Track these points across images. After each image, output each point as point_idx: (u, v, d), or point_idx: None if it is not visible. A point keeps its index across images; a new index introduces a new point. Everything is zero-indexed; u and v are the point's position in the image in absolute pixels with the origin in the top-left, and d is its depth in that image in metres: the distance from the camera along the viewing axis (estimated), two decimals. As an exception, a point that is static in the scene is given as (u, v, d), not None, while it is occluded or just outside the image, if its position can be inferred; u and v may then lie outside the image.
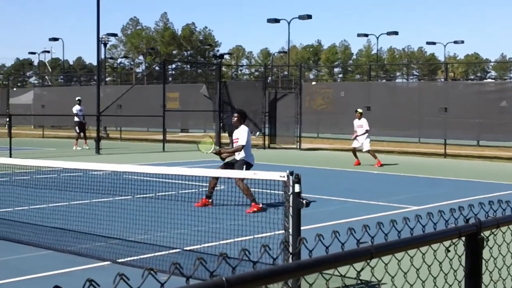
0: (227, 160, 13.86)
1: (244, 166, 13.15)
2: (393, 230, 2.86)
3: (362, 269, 2.68)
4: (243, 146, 13.39)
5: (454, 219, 3.24)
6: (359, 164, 23.98)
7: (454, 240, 3.17)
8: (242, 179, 12.69)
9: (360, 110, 24.82)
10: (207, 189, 13.55)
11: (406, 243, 2.80)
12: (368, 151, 24.12)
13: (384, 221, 2.89)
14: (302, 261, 2.40)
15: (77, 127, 32.36)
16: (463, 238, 3.17)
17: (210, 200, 13.45)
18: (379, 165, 23.63)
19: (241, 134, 13.51)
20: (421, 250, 2.97)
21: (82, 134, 32.00)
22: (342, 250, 2.53)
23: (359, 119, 24.42)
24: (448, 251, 3.30)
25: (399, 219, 2.95)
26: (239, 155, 13.52)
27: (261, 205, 12.61)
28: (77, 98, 32.69)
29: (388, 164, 24.51)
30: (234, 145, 13.67)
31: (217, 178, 13.38)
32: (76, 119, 32.26)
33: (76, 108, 32.73)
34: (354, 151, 24.48)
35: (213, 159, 25.13)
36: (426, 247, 2.98)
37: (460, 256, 3.36)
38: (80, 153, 27.68)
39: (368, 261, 2.61)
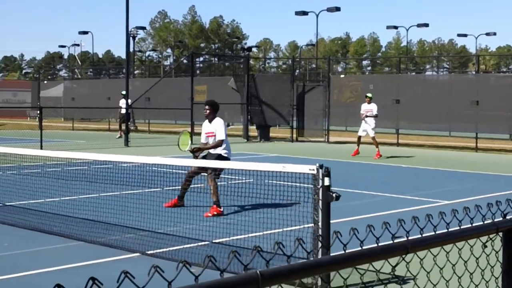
0: (201, 155, 12.56)
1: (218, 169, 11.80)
2: (428, 225, 2.81)
3: (397, 264, 2.64)
4: (221, 140, 12.31)
5: (491, 214, 3.18)
6: (357, 153, 23.97)
7: (491, 236, 3.12)
8: (214, 178, 11.88)
9: (369, 95, 24.79)
10: (236, 182, 13.53)
11: (442, 238, 2.76)
12: (373, 138, 24.01)
13: (413, 215, 2.84)
14: (337, 255, 2.37)
15: (121, 118, 32.92)
16: (501, 234, 3.12)
17: (181, 202, 12.34)
18: (378, 157, 23.68)
19: (217, 127, 12.37)
20: (457, 245, 2.92)
21: (123, 125, 32.20)
22: (377, 245, 2.50)
23: (369, 103, 24.31)
24: (485, 246, 3.25)
25: (431, 213, 2.90)
26: (215, 150, 12.44)
27: (221, 210, 11.73)
28: (122, 92, 32.89)
29: (417, 157, 24.33)
30: (209, 140, 12.51)
31: (192, 178, 12.39)
32: (122, 111, 32.56)
33: (122, 102, 33.11)
34: (359, 140, 24.28)
35: (241, 152, 25.16)
36: (463, 242, 2.93)
37: (497, 252, 3.31)
38: (109, 145, 27.85)
39: (404, 256, 2.57)
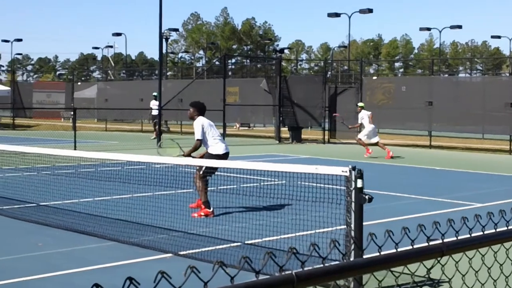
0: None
1: (209, 161, 11.39)
2: (463, 227, 2.80)
3: (432, 267, 2.63)
4: (199, 140, 12.18)
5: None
6: (370, 153, 24.43)
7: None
8: (202, 177, 11.81)
9: (360, 104, 25.44)
10: (268, 183, 13.54)
11: (478, 241, 2.74)
12: (359, 139, 24.74)
13: (446, 218, 2.83)
14: (372, 257, 2.37)
15: (153, 120, 33.14)
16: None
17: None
18: (368, 154, 24.23)
19: (195, 128, 12.33)
20: (493, 248, 2.91)
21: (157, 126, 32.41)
22: (412, 247, 2.49)
23: (359, 112, 24.91)
24: (521, 249, 3.23)
25: (465, 216, 2.89)
26: (204, 150, 12.46)
27: (211, 211, 11.68)
28: (153, 94, 33.05)
29: (451, 160, 24.15)
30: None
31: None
32: (153, 112, 32.75)
33: (152, 103, 33.32)
34: (377, 144, 24.82)
35: (273, 153, 25.16)
36: (498, 245, 2.91)
37: (533, 255, 3.28)
38: (142, 146, 28.01)
39: (439, 258, 2.56)
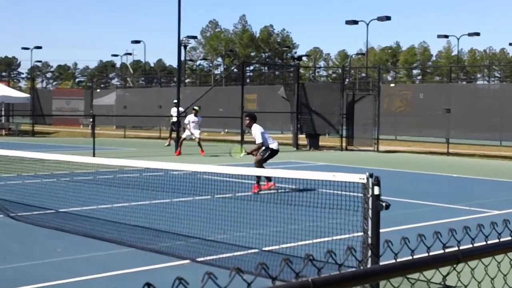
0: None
1: (267, 153, 15.68)
2: (479, 234, 2.82)
3: (448, 274, 2.65)
4: (261, 143, 15.54)
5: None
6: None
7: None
8: (261, 161, 15.53)
9: (196, 108, 28.11)
10: (285, 190, 13.56)
11: (493, 248, 2.75)
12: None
13: (464, 225, 2.84)
14: (388, 264, 2.39)
15: (173, 127, 33.22)
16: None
17: (271, 182, 15.33)
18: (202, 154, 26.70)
19: (255, 133, 15.72)
20: (509, 255, 2.92)
21: (174, 133, 32.50)
22: (428, 254, 2.51)
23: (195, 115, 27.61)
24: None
25: (482, 223, 2.90)
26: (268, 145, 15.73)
27: (268, 185, 15.16)
28: (174, 101, 33.16)
29: (468, 167, 24.05)
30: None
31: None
32: (174, 119, 32.85)
33: (173, 110, 33.45)
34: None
35: (290, 160, 25.18)
36: (514, 252, 2.92)
37: (549, 263, 3.29)
38: (160, 153, 28.12)
39: (455, 265, 2.57)
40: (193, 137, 27.72)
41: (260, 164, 15.45)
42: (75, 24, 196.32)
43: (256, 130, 15.64)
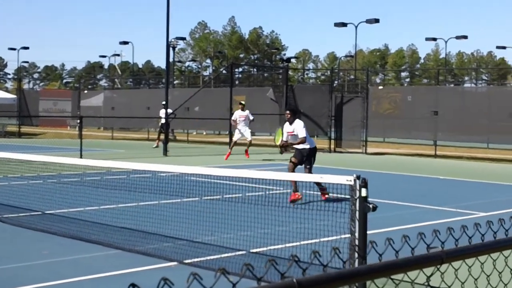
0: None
1: (310, 156, 14.87)
2: (463, 235, 2.84)
3: (432, 274, 2.67)
4: (305, 137, 14.77)
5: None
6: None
7: (526, 247, 3.13)
8: (308, 171, 14.66)
9: (243, 102, 27.52)
10: (274, 192, 13.58)
11: (477, 249, 2.78)
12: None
13: (452, 227, 2.87)
14: (373, 264, 2.41)
15: (162, 128, 32.96)
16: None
17: (298, 193, 14.15)
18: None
19: (298, 128, 14.88)
20: (492, 256, 2.94)
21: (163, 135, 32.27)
22: (412, 255, 2.53)
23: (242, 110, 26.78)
24: (520, 258, 3.27)
25: (468, 225, 2.92)
26: (300, 145, 14.87)
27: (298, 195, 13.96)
28: (162, 103, 33.07)
29: (455, 169, 24.15)
30: (289, 137, 15.03)
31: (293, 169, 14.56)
32: (162, 121, 32.73)
33: (161, 112, 33.34)
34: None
35: (279, 162, 25.19)
36: (497, 253, 2.95)
37: (532, 264, 3.32)
38: (148, 155, 28.08)
39: (439, 266, 2.60)
40: (245, 139, 26.99)
41: (293, 167, 14.64)
42: (62, 25, 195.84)
43: (300, 125, 14.95)
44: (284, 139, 15.18)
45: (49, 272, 8.31)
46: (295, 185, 14.15)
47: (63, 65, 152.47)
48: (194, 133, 47.36)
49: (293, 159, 14.74)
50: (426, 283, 2.65)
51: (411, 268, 2.49)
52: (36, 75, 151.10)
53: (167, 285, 1.93)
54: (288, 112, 15.44)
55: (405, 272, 2.48)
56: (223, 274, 2.05)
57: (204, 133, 48.80)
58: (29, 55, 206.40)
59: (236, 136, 27.05)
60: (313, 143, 15.26)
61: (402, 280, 2.61)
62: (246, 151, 26.73)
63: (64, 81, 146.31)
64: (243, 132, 26.62)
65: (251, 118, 26.84)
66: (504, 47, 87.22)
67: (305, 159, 14.80)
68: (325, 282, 2.19)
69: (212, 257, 9.01)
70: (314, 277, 2.15)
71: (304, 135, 14.84)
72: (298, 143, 14.85)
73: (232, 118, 27.17)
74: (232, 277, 1.97)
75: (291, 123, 15.11)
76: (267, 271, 2.15)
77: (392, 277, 2.47)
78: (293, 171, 14.35)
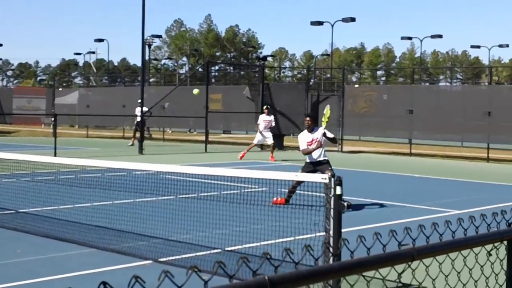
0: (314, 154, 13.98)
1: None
2: (435, 233, 2.86)
3: (403, 271, 2.69)
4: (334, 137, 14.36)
5: (496, 223, 3.23)
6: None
7: (496, 244, 3.17)
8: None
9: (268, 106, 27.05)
10: (249, 190, 13.58)
11: (447, 246, 2.80)
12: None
13: (425, 224, 2.89)
14: (344, 262, 2.42)
15: (137, 126, 32.76)
16: (505, 242, 3.16)
17: (287, 203, 13.44)
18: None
19: (327, 133, 13.96)
20: (462, 253, 2.97)
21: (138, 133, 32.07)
22: (384, 252, 2.55)
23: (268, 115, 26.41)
24: (490, 255, 3.30)
25: (441, 223, 2.95)
26: (322, 155, 13.99)
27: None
28: (138, 101, 32.89)
29: (430, 167, 24.31)
30: (313, 145, 13.82)
31: (297, 187, 13.35)
32: (138, 119, 32.55)
33: (137, 110, 33.17)
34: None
35: (255, 160, 25.18)
36: (468, 250, 2.98)
37: (501, 260, 3.35)
38: (123, 153, 27.96)
39: (410, 263, 2.62)
40: (266, 142, 26.78)
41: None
42: (37, 22, 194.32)
43: (320, 131, 13.86)
44: (305, 148, 13.97)
45: (22, 271, 8.26)
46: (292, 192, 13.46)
47: (37, 62, 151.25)
48: (169, 131, 47.17)
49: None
50: (397, 280, 2.67)
51: (382, 265, 2.51)
52: (9, 73, 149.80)
53: (138, 283, 1.93)
54: (307, 118, 14.20)
55: (376, 269, 2.50)
56: (195, 272, 2.05)
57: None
58: (3, 52, 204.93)
59: (256, 139, 26.62)
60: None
61: (373, 277, 2.63)
62: (271, 156, 26.15)
63: (39, 78, 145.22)
64: (265, 136, 26.24)
65: (273, 124, 26.79)
66: (478, 46, 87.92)
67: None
68: (297, 280, 2.20)
69: (187, 255, 9.00)
70: (285, 274, 2.16)
71: (334, 137, 14.46)
72: (317, 148, 13.84)
73: (257, 122, 26.79)
74: (205, 275, 1.97)
75: (311, 131, 13.98)
76: (239, 268, 2.15)
77: (364, 274, 2.49)
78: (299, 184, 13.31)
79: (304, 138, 14.00)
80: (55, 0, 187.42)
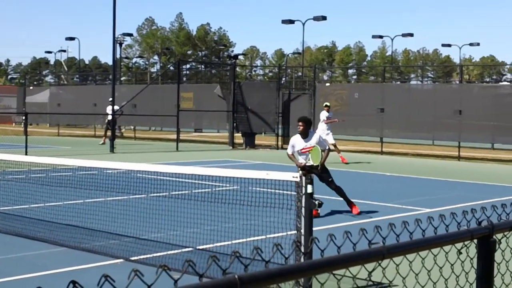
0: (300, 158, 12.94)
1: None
2: (405, 231, 2.87)
3: (374, 269, 2.70)
4: (329, 150, 13.01)
5: (466, 222, 3.25)
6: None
7: (466, 242, 3.19)
8: (333, 184, 13.15)
9: (328, 104, 25.53)
10: (220, 189, 13.52)
11: (417, 245, 2.82)
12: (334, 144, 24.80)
13: (396, 223, 2.90)
14: (314, 260, 2.43)
15: (108, 125, 32.59)
16: (475, 241, 3.19)
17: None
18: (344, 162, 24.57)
19: (320, 140, 12.85)
20: (432, 251, 2.98)
21: (109, 131, 31.91)
22: (354, 251, 2.55)
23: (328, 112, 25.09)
24: (460, 253, 3.32)
25: (411, 221, 2.96)
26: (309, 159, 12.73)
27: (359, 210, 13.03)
28: (109, 99, 32.69)
29: (401, 166, 24.47)
30: (303, 156, 12.77)
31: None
32: (109, 118, 32.38)
33: (108, 109, 33.00)
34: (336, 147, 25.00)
35: (226, 159, 25.16)
36: (438, 248, 2.99)
37: (472, 259, 3.38)
38: (94, 151, 27.80)
39: (380, 262, 2.62)
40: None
41: (338, 188, 13.13)
42: (7, 20, 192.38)
43: (317, 136, 12.92)
44: (300, 160, 12.88)
45: (-8, 270, 8.18)
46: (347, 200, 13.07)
47: (8, 61, 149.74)
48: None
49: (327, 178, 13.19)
50: (368, 279, 2.68)
51: (353, 264, 2.52)
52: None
53: (108, 282, 1.92)
54: (300, 123, 12.81)
55: (346, 267, 2.51)
56: (165, 271, 2.04)
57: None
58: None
59: (330, 138, 24.74)
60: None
61: (344, 275, 2.64)
62: (341, 157, 25.16)
63: (9, 77, 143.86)
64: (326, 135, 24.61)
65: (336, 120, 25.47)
66: (449, 45, 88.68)
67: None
68: (267, 278, 2.20)
69: (158, 254, 8.98)
70: (255, 273, 2.16)
71: (326, 146, 12.98)
72: (325, 159, 12.83)
73: (321, 119, 25.34)
74: (175, 273, 1.97)
75: (305, 137, 12.74)
76: (209, 267, 2.14)
77: (334, 272, 2.49)
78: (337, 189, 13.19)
79: (295, 143, 12.90)
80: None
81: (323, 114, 24.93)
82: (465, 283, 3.46)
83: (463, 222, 3.24)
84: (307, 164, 12.59)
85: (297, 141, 12.80)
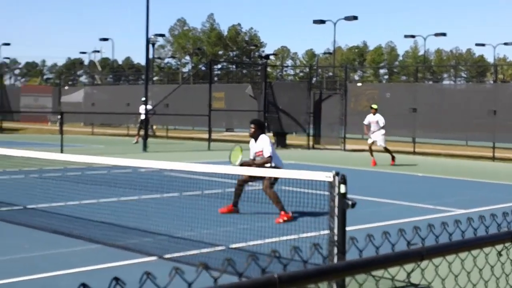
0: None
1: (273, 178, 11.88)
2: (444, 232, 2.85)
3: (413, 270, 2.69)
4: (270, 157, 12.35)
5: (506, 223, 3.22)
6: (375, 164, 24.04)
7: (506, 244, 3.16)
8: (271, 186, 12.04)
9: (375, 106, 24.94)
10: (252, 188, 13.56)
11: (457, 246, 2.80)
12: (385, 148, 24.37)
13: (428, 223, 2.88)
14: (351, 260, 2.42)
15: (141, 124, 32.84)
16: (516, 242, 3.16)
17: (236, 208, 12.30)
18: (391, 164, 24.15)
19: (264, 145, 12.41)
20: (472, 253, 2.96)
21: (142, 131, 32.13)
22: (392, 251, 2.54)
23: (374, 114, 24.47)
24: (500, 255, 3.29)
25: (448, 222, 2.94)
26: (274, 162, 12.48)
27: (290, 214, 11.66)
28: (142, 99, 32.88)
29: (434, 166, 24.29)
30: (257, 158, 12.58)
31: (242, 185, 12.43)
32: (142, 117, 32.63)
33: (141, 108, 33.25)
34: (370, 148, 24.62)
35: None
36: (478, 250, 2.97)
37: (512, 260, 3.35)
38: (128, 150, 27.99)
39: (419, 263, 2.61)
40: (378, 145, 24.93)
41: (272, 190, 12.04)
42: (43, 21, 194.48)
43: (267, 142, 12.42)
44: (251, 157, 12.71)
45: (29, 266, 8.29)
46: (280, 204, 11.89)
47: (43, 61, 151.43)
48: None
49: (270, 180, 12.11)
50: (406, 280, 2.67)
51: (391, 265, 2.51)
52: (17, 71, 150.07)
53: (149, 279, 1.94)
54: (252, 126, 12.75)
55: (385, 268, 2.50)
56: (205, 269, 2.05)
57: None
58: (11, 51, 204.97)
59: (369, 141, 24.98)
60: (281, 163, 12.72)
61: (382, 276, 2.63)
62: (392, 159, 24.69)
63: (45, 77, 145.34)
64: (374, 138, 24.60)
65: (381, 124, 24.61)
66: (483, 44, 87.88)
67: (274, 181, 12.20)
68: (305, 278, 2.21)
69: (191, 252, 9.01)
70: (294, 272, 2.17)
71: (269, 154, 12.37)
72: (263, 164, 12.30)
73: (364, 122, 25.20)
74: (213, 272, 1.98)
75: (256, 139, 12.63)
76: (248, 266, 2.15)
77: (373, 273, 2.49)
78: (241, 184, 12.44)
79: (251, 147, 12.79)
80: (61, 0, 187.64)
81: (368, 118, 24.79)
82: (506, 285, 3.42)
83: (503, 224, 3.21)
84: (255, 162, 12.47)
85: (251, 143, 12.75)
